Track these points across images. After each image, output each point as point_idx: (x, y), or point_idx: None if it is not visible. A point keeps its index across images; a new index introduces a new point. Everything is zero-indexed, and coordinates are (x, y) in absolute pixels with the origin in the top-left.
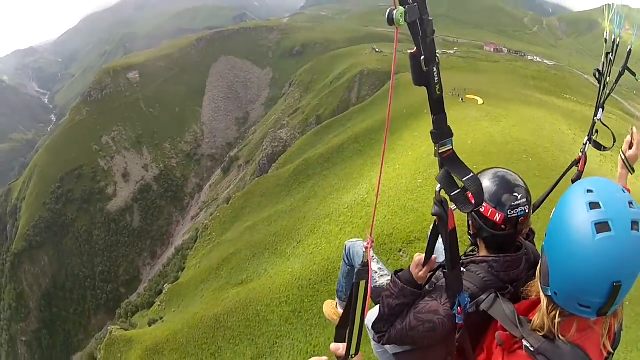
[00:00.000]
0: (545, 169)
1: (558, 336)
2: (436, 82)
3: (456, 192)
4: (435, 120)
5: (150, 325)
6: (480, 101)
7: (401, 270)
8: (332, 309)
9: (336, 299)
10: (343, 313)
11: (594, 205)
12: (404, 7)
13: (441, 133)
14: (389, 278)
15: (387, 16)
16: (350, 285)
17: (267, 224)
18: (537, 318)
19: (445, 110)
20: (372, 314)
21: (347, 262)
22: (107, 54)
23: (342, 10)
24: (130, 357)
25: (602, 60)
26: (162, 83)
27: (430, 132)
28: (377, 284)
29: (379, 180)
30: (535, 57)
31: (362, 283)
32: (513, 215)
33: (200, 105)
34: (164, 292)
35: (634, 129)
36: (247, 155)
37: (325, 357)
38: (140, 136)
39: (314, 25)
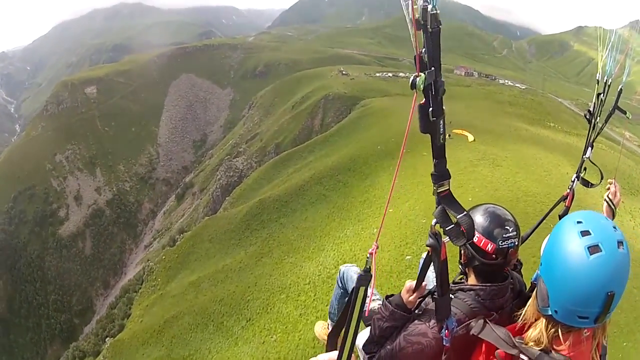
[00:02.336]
0: None
1: (552, 349)
2: (441, 132)
3: (451, 227)
4: (436, 163)
5: None
6: (471, 138)
7: (392, 295)
8: (324, 329)
9: (328, 320)
10: (338, 319)
11: (584, 233)
12: (425, 74)
13: (441, 175)
14: (380, 303)
15: (410, 82)
16: (343, 308)
17: (212, 282)
18: (531, 333)
19: (445, 155)
20: (364, 335)
21: (340, 285)
22: (73, 65)
23: (309, 31)
24: None
25: (593, 101)
26: (120, 100)
27: (431, 174)
28: (369, 307)
29: (395, 176)
30: (506, 81)
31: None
32: (504, 246)
33: (157, 125)
34: (105, 346)
35: (615, 180)
36: (202, 182)
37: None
38: (94, 156)
39: (279, 44)
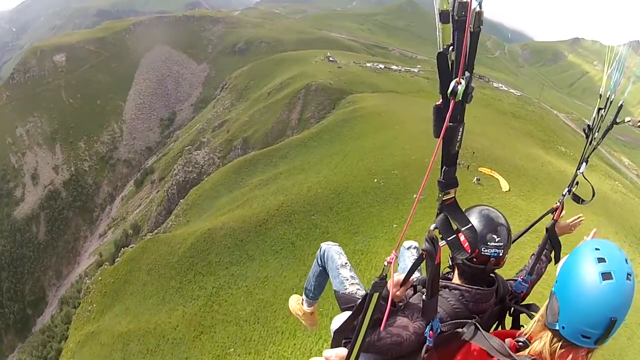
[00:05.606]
0: None
1: None
2: (458, 139)
3: (453, 237)
4: (445, 171)
5: None
6: (505, 185)
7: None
8: (298, 304)
9: (303, 295)
10: (348, 320)
11: (600, 260)
12: (464, 80)
13: (449, 183)
14: (359, 287)
15: (451, 89)
16: (319, 286)
17: (142, 347)
18: (536, 346)
19: (456, 164)
20: (338, 319)
21: (319, 263)
22: (57, 28)
23: (298, 10)
24: None
25: (593, 115)
26: (88, 70)
27: (438, 181)
28: (347, 291)
29: (424, 181)
30: (500, 85)
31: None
32: (485, 253)
33: (124, 99)
34: None
35: (595, 231)
36: (162, 169)
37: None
38: (55, 131)
39: (262, 21)
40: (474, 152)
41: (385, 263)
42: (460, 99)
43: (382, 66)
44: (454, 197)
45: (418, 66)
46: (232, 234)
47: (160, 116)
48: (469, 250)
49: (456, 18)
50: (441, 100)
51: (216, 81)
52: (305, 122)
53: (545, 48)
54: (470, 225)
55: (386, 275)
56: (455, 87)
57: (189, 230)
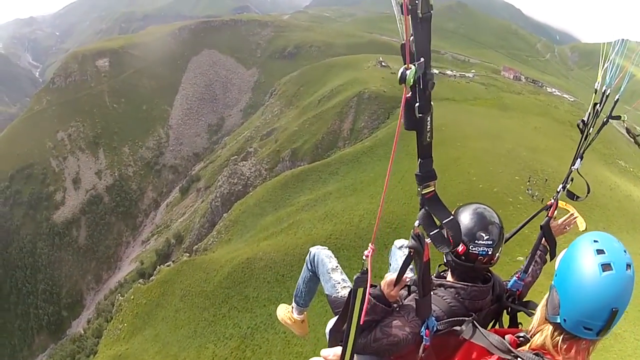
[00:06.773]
0: None
1: (550, 355)
2: (428, 130)
3: (435, 232)
4: (421, 164)
5: None
6: (582, 224)
7: (373, 286)
8: (287, 313)
9: (293, 303)
10: (339, 318)
11: (600, 252)
12: (415, 66)
13: (426, 176)
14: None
15: (399, 75)
16: (310, 292)
17: None
18: (537, 339)
19: (432, 155)
20: (332, 323)
21: (309, 267)
22: (102, 32)
23: (346, 14)
24: None
25: (589, 110)
26: (133, 74)
27: (415, 175)
28: (339, 294)
29: (387, 180)
30: (553, 90)
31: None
32: (473, 251)
33: (170, 104)
34: None
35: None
36: (208, 177)
37: (321, 358)
38: (98, 136)
39: (312, 25)
40: (546, 180)
41: (364, 257)
42: (411, 84)
43: (436, 71)
44: (434, 190)
45: (472, 71)
46: (272, 267)
47: (208, 122)
48: (452, 243)
49: (410, 7)
50: (410, 93)
51: (265, 86)
52: (357, 133)
53: (593, 50)
54: (451, 218)
55: (366, 269)
56: (403, 73)
57: (228, 255)
